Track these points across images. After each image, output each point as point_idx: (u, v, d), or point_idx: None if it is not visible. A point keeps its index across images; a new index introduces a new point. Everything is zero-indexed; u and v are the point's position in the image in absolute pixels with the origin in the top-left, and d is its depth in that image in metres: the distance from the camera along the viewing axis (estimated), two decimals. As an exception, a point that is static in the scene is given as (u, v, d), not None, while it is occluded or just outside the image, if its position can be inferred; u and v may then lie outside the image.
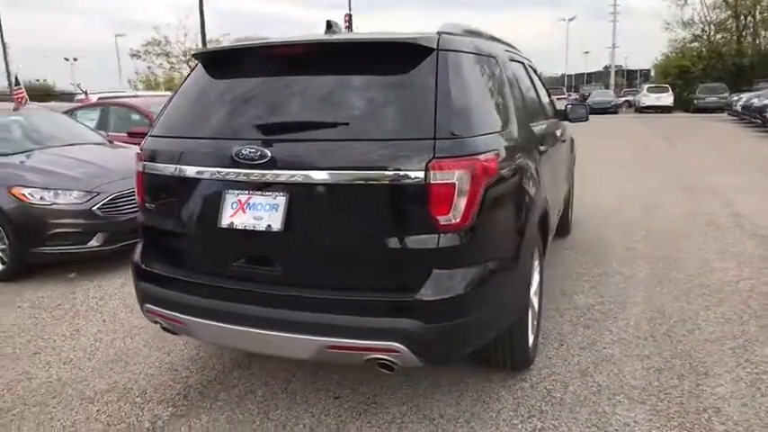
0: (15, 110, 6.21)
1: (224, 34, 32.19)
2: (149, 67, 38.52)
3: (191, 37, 34.81)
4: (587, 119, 4.76)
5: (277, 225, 2.24)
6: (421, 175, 2.10)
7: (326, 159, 2.20)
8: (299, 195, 2.24)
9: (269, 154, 2.22)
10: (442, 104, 2.19)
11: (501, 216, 2.45)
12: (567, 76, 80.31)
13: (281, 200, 2.25)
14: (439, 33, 2.44)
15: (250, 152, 2.24)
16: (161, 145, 2.56)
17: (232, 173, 2.30)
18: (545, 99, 4.18)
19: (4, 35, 27.34)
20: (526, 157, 2.87)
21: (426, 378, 2.94)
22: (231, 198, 2.33)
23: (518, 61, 3.64)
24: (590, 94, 36.71)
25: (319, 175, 2.18)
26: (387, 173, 2.12)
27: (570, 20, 60.14)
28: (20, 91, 7.87)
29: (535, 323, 3.15)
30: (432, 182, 2.10)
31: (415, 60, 2.29)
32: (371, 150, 2.17)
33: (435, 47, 2.32)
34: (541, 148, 3.32)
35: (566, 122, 5.07)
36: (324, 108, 2.33)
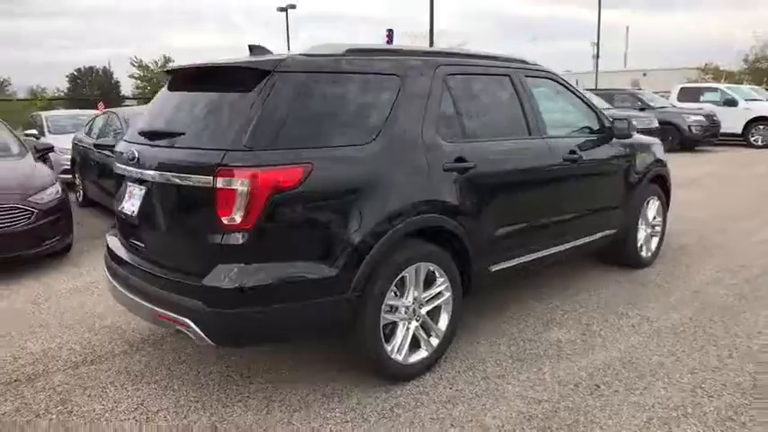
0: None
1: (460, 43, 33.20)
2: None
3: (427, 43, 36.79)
4: (630, 135, 4.21)
5: (135, 212, 2.86)
6: (210, 180, 2.46)
7: (160, 162, 2.73)
8: (148, 190, 2.82)
9: (136, 155, 2.84)
10: (247, 120, 2.50)
11: (306, 223, 2.59)
12: None
13: (143, 192, 2.85)
14: (288, 56, 2.71)
15: (129, 153, 2.90)
16: (120, 147, 3.37)
17: (125, 169, 3.00)
18: (542, 115, 3.77)
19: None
20: (400, 170, 2.86)
21: (321, 373, 3.11)
22: (129, 189, 3.03)
23: (485, 74, 3.51)
24: None
25: (152, 174, 2.73)
26: (190, 176, 2.56)
27: None
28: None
29: (434, 341, 3.11)
30: (217, 186, 2.45)
31: (256, 81, 2.63)
32: (187, 157, 2.62)
33: (272, 69, 2.62)
34: (474, 165, 3.17)
35: (631, 141, 4.44)
36: (177, 120, 2.84)
